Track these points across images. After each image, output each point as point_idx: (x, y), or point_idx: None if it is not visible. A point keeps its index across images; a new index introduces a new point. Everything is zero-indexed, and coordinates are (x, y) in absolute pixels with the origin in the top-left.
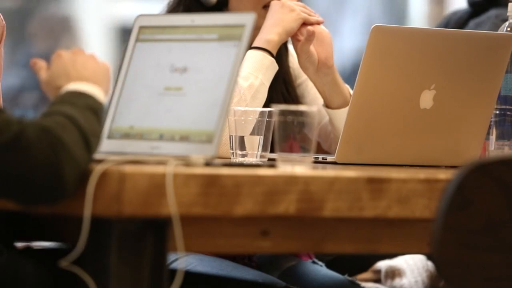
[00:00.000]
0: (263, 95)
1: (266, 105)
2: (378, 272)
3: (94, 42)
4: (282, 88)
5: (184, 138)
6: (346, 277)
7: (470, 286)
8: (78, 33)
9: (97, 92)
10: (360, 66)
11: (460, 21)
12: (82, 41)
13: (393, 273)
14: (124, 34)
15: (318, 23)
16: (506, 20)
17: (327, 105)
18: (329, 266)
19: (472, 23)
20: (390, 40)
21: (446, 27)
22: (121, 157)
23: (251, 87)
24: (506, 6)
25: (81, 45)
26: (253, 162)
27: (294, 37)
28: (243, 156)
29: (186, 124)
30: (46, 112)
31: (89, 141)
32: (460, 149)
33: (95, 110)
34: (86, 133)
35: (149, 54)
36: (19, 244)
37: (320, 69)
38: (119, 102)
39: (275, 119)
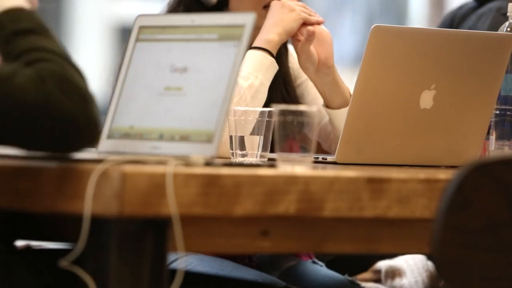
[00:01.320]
0: (263, 95)
1: (265, 105)
2: (378, 272)
3: (94, 42)
4: (281, 89)
5: (184, 138)
6: (346, 277)
7: (470, 286)
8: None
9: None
10: (360, 66)
11: (465, 16)
12: (82, 41)
13: (393, 273)
14: (124, 34)
15: (319, 23)
16: (506, 14)
17: (327, 105)
18: (329, 266)
19: (474, 15)
20: (390, 40)
21: (451, 22)
22: (121, 157)
23: (251, 87)
24: None
25: (81, 45)
26: (253, 162)
27: (294, 37)
28: (243, 156)
29: (186, 124)
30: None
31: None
32: (460, 149)
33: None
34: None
35: (149, 54)
36: (19, 244)
37: (320, 69)
38: (119, 102)
39: (275, 119)
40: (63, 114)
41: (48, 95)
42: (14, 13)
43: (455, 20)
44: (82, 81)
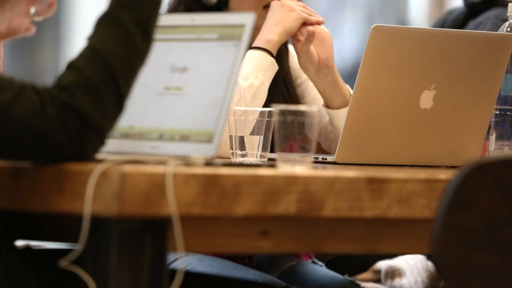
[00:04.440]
0: (263, 95)
1: (266, 105)
2: (378, 272)
3: None
4: (282, 89)
5: (184, 138)
6: (346, 277)
7: (470, 286)
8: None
9: None
10: (360, 66)
11: (456, 21)
12: (82, 41)
13: (393, 273)
14: None
15: (319, 23)
16: (506, 20)
17: (327, 105)
18: (329, 266)
19: (471, 24)
20: (390, 40)
21: (442, 27)
22: (121, 157)
23: (251, 87)
24: (505, 6)
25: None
26: (253, 162)
27: (295, 37)
28: (243, 156)
29: (186, 124)
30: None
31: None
32: (460, 149)
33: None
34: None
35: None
36: (19, 244)
37: (320, 69)
38: None
39: (275, 119)
40: (56, 149)
41: (44, 127)
42: None
43: (445, 26)
44: (92, 108)
